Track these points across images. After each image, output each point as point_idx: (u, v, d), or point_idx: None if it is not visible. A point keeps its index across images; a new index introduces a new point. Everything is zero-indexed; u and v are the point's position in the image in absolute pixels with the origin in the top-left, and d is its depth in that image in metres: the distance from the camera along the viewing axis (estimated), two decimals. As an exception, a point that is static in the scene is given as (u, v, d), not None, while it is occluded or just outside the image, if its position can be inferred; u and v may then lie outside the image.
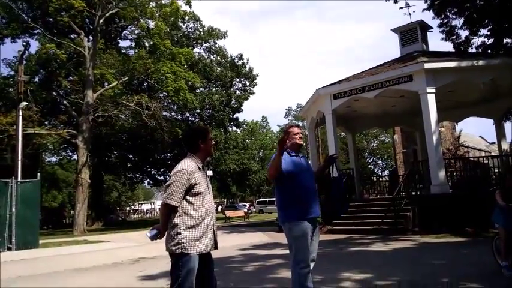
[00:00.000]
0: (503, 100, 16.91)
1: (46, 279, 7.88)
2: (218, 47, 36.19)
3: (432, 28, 18.53)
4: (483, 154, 32.70)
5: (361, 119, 19.87)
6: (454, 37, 19.11)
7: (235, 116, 38.29)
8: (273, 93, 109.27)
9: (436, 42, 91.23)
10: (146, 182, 45.42)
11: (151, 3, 27.12)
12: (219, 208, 47.72)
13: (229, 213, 32.54)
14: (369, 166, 61.08)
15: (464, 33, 19.00)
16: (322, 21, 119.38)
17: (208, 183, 3.59)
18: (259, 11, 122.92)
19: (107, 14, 25.84)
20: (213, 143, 3.65)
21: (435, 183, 13.40)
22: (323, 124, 18.28)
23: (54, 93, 27.87)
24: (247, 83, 37.60)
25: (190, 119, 35.54)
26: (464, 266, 6.97)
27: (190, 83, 28.13)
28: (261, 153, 56.86)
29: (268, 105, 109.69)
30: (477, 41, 18.81)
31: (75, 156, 31.26)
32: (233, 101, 36.84)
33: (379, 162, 63.58)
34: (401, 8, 18.38)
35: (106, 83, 27.59)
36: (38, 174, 15.46)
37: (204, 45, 35.89)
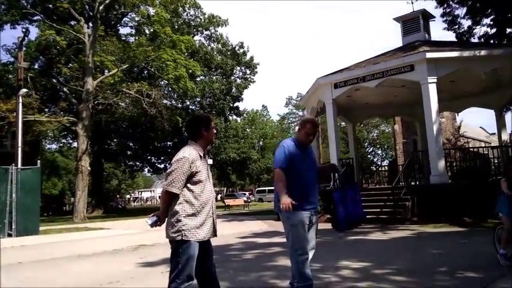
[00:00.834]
0: (504, 91, 16.85)
1: (46, 265, 7.94)
2: (219, 34, 36.00)
3: (435, 17, 18.40)
4: (483, 145, 32.70)
5: (361, 108, 19.82)
6: (457, 27, 19.02)
7: (235, 104, 38.24)
8: (273, 82, 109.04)
9: (439, 31, 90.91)
10: (146, 170, 45.61)
11: (151, -11, 26.92)
12: (219, 197, 47.92)
13: (229, 201, 32.69)
14: (369, 156, 61.17)
15: (466, 23, 18.91)
16: (324, 9, 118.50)
17: (209, 171, 3.59)
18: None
19: (107, 1, 25.67)
20: (215, 130, 3.65)
21: (435, 173, 13.42)
22: (323, 113, 18.24)
23: (54, 80, 27.79)
24: (248, 72, 37.48)
25: (190, 107, 35.49)
26: (462, 255, 7.02)
27: (190, 71, 28.02)
28: (261, 142, 56.92)
29: (269, 94, 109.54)
30: (479, 30, 18.74)
31: (75, 144, 31.29)
32: (233, 90, 36.73)
33: (379, 152, 63.68)
34: (405, -4, 18.23)
35: (106, 71, 27.49)
36: (38, 161, 15.52)
37: (205, 32, 35.71)
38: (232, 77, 37.04)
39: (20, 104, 17.99)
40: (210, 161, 29.66)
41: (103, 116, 30.33)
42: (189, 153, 3.39)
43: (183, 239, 3.28)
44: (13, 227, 13.27)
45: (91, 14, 27.83)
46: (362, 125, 54.12)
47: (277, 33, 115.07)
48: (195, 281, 3.38)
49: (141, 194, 75.58)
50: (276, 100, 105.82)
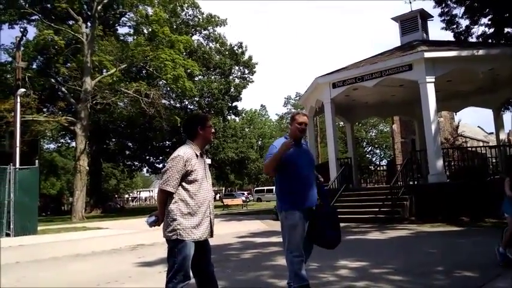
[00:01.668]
0: (502, 90, 16.90)
1: (45, 265, 7.93)
2: (217, 34, 35.96)
3: (433, 17, 18.45)
4: (481, 144, 32.74)
5: (360, 108, 19.86)
6: (455, 26, 19.05)
7: (234, 104, 38.19)
8: (272, 82, 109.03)
9: (437, 31, 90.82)
10: (145, 169, 45.54)
11: (150, -11, 26.90)
12: (217, 196, 47.89)
13: (227, 201, 32.68)
14: (367, 155, 61.21)
15: (464, 23, 18.95)
16: (323, 9, 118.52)
17: (207, 170, 3.58)
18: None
19: (105, 0, 25.64)
20: (212, 130, 3.65)
21: (433, 173, 13.47)
22: (322, 113, 18.28)
23: (53, 80, 27.73)
24: (246, 71, 37.44)
25: (189, 107, 35.46)
26: (459, 254, 7.03)
27: (189, 70, 28.01)
28: (259, 142, 56.89)
29: (267, 93, 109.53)
30: (477, 30, 18.79)
31: (73, 144, 31.20)
32: (232, 89, 36.69)
33: (377, 151, 63.74)
34: (403, -5, 18.25)
35: (104, 70, 27.44)
36: (37, 161, 15.51)
37: (203, 32, 35.67)
38: (231, 77, 37.01)
39: (18, 104, 17.95)
40: (209, 161, 29.75)
41: (101, 116, 30.28)
42: (184, 152, 3.39)
43: (178, 238, 3.28)
44: (11, 226, 13.25)
45: (89, 13, 27.80)
46: (360, 125, 54.20)
47: (276, 33, 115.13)
48: (192, 280, 3.38)
49: (139, 193, 75.46)
50: (275, 100, 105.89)
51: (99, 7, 25.56)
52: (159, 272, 6.18)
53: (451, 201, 12.34)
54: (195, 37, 34.76)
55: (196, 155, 3.46)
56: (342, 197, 14.94)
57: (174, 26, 31.43)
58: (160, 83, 30.54)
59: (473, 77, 14.83)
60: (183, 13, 33.77)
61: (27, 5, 25.60)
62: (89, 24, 26.89)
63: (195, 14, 34.30)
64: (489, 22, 18.12)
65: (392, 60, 14.93)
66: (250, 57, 36.74)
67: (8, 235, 13.10)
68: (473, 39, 18.88)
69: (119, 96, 26.56)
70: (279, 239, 9.29)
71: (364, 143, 61.28)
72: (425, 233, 10.22)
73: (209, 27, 35.11)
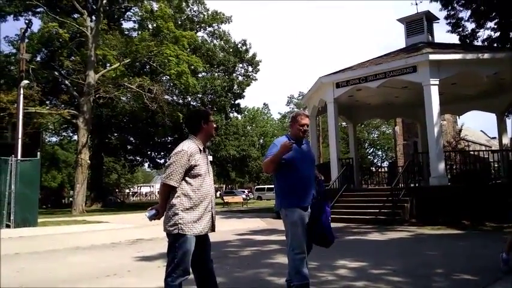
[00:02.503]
0: (505, 95, 16.86)
1: (44, 256, 7.94)
2: (222, 31, 35.93)
3: (438, 19, 18.39)
4: (484, 148, 32.68)
5: (363, 109, 19.83)
6: (460, 29, 19.01)
7: (236, 102, 38.21)
8: (275, 81, 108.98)
9: (442, 33, 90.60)
10: (146, 164, 45.61)
11: (155, -16, 26.91)
12: (218, 193, 47.89)
13: (228, 198, 32.68)
14: (369, 157, 61.14)
15: (470, 26, 18.91)
16: (328, 8, 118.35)
17: (209, 165, 3.58)
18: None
19: (111, -6, 25.64)
20: (215, 126, 3.64)
21: (434, 175, 13.44)
22: (324, 113, 18.25)
23: (56, 73, 27.77)
24: (250, 69, 37.42)
25: (191, 103, 35.45)
26: (459, 257, 7.01)
27: (192, 67, 28.00)
28: (261, 140, 56.87)
29: (270, 92, 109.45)
30: (483, 34, 18.73)
31: (75, 137, 31.30)
32: (235, 87, 36.68)
33: (379, 153, 63.67)
34: (409, -3, 18.20)
35: (108, 64, 27.47)
36: (38, 153, 15.52)
37: (208, 29, 35.65)
38: (234, 74, 37.00)
39: (21, 96, 17.97)
40: (210, 158, 29.70)
41: (104, 110, 30.32)
42: (188, 147, 3.38)
43: (179, 232, 3.27)
44: (11, 218, 13.28)
45: (94, 7, 27.79)
46: (363, 126, 54.09)
47: (280, 31, 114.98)
48: (191, 275, 3.37)
49: (140, 188, 75.59)
50: (278, 99, 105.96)
51: (105, 1, 25.56)
52: (158, 266, 6.18)
53: (452, 204, 12.32)
54: (199, 34, 34.78)
55: (200, 150, 3.45)
56: (343, 197, 14.93)
57: (179, 22, 31.42)
58: (164, 78, 30.58)
59: (477, 80, 14.78)
60: (188, 9, 33.74)
61: (32, -3, 25.61)
62: (93, 18, 26.88)
63: (200, 10, 34.31)
64: (495, 26, 18.08)
65: (396, 61, 14.89)
66: (254, 55, 36.74)
67: (8, 226, 13.12)
68: (478, 43, 18.84)
69: (122, 91, 26.59)
70: (279, 237, 9.34)
71: (366, 144, 61.21)
72: (426, 235, 10.20)
73: (214, 24, 35.08)
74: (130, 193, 68.75)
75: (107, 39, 26.52)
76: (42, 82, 26.71)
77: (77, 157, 25.37)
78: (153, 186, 75.99)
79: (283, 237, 4.12)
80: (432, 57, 13.79)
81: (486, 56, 13.98)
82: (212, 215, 3.48)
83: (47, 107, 25.71)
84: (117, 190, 57.96)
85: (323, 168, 16.14)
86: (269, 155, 3.98)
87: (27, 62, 20.56)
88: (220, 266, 6.02)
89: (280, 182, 4.06)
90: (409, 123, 34.18)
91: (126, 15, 32.69)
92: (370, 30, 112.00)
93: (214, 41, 36.33)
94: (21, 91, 18.02)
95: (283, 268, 4.61)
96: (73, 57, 27.19)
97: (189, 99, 35.28)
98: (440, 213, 12.35)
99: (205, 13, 34.36)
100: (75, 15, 27.17)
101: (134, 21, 32.71)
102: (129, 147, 39.94)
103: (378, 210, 13.25)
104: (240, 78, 37.44)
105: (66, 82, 27.63)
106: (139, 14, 30.18)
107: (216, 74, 36.52)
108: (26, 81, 18.74)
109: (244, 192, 45.82)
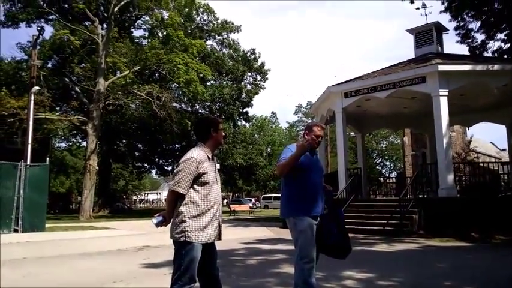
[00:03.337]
0: (516, 106, 16.70)
1: (51, 262, 7.97)
2: (231, 40, 36.11)
3: (448, 30, 18.35)
4: (493, 160, 32.39)
5: (371, 119, 19.76)
6: (470, 40, 18.94)
7: (244, 110, 38.26)
8: (283, 90, 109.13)
9: (452, 44, 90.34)
10: (154, 171, 45.73)
11: (166, -7, 27.18)
12: (224, 201, 47.86)
13: (235, 207, 32.64)
14: (377, 167, 60.84)
15: (480, 37, 18.83)
16: (335, 17, 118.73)
17: (217, 173, 3.58)
18: (273, 5, 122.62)
19: (122, 3, 25.91)
20: (224, 134, 3.65)
21: (443, 187, 13.32)
22: (333, 122, 18.22)
23: (66, 80, 28.04)
24: (258, 78, 37.51)
25: (199, 111, 35.56)
26: (467, 270, 6.93)
27: (201, 75, 28.14)
28: (268, 149, 56.84)
29: (278, 101, 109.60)
30: (493, 45, 18.63)
31: (84, 143, 31.49)
32: (243, 95, 36.76)
33: (387, 163, 63.33)
34: (418, 8, 18.21)
35: (118, 72, 27.70)
36: (47, 158, 15.63)
37: (217, 38, 35.84)
38: (243, 83, 37.10)
39: (32, 102, 18.17)
40: (217, 166, 29.73)
41: (113, 117, 30.52)
42: (197, 154, 3.39)
43: (186, 240, 3.26)
44: (19, 222, 13.35)
45: (105, 15, 28.10)
46: (371, 136, 53.91)
47: (289, 41, 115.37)
48: (197, 284, 3.36)
49: (147, 195, 75.79)
50: (286, 107, 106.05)
51: (116, 9, 25.85)
52: (164, 273, 6.17)
53: (461, 217, 12.18)
54: (208, 42, 34.99)
55: (208, 158, 3.45)
56: (350, 207, 14.83)
57: (189, 31, 31.66)
58: (173, 86, 30.74)
59: (487, 92, 14.69)
60: (198, 18, 34.01)
61: (45, 5, 25.96)
62: (104, 25, 27.16)
63: (209, 19, 34.54)
64: (505, 37, 17.99)
65: (406, 72, 14.85)
66: (262, 64, 36.85)
67: (16, 231, 13.20)
68: (488, 54, 18.74)
69: (131, 98, 26.77)
70: (286, 247, 9.29)
71: (375, 154, 60.96)
72: (434, 248, 10.09)
73: (223, 33, 35.29)
74: (138, 200, 68.92)
75: (117, 47, 26.78)
76: (53, 88, 26.97)
77: (85, 163, 25.51)
78: (160, 193, 76.18)
79: (290, 247, 4.09)
80: (441, 68, 13.74)
81: (496, 67, 13.89)
82: (219, 223, 3.47)
83: (57, 113, 25.92)
84: (124, 197, 58.13)
85: (331, 178, 16.07)
86: (283, 158, 3.95)
87: (38, 69, 20.81)
88: (226, 275, 6.00)
89: (290, 189, 4.02)
90: (418, 133, 33.98)
91: (136, 23, 33.04)
92: (379, 41, 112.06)
93: (224, 50, 36.53)
94: (32, 97, 18.23)
95: (290, 278, 4.58)
96: (83, 64, 27.46)
97: (198, 107, 35.42)
98: (449, 225, 12.22)
99: (214, 22, 34.60)
100: (87, 23, 27.49)
101: (144, 29, 33.04)
102: (137, 154, 40.11)
103: (385, 221, 13.14)
104: (249, 86, 37.54)
105: (76, 89, 27.89)
106: (150, 22, 30.47)
107: (225, 82, 36.66)
108: (36, 88, 18.95)
109: (251, 200, 45.72)
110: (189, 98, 31.11)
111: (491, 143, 57.12)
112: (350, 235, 12.27)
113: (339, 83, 16.82)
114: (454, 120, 17.90)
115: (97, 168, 25.65)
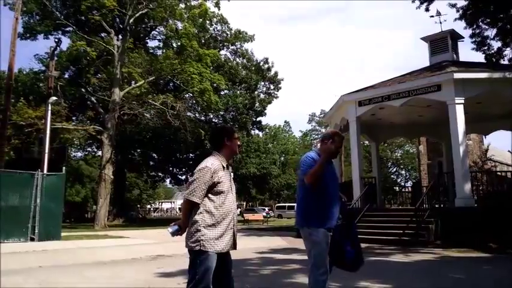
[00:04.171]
0: (534, 114, 16.42)
1: (66, 270, 8.03)
2: (244, 50, 36.30)
3: (463, 38, 18.17)
4: (511, 169, 31.79)
5: (385, 127, 19.61)
6: (486, 48, 18.66)
7: (258, 119, 38.32)
8: (296, 98, 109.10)
9: (467, 52, 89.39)
10: (168, 181, 45.93)
11: (180, 4, 27.52)
12: (239, 211, 47.79)
13: (248, 216, 32.58)
14: (392, 176, 60.18)
15: (496, 44, 18.55)
16: (349, 26, 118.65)
17: (232, 182, 3.58)
18: (286, 15, 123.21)
19: (137, 14, 26.30)
20: (239, 143, 3.65)
21: (460, 197, 13.11)
22: (346, 131, 18.12)
23: (83, 90, 28.45)
24: (272, 87, 37.58)
25: (213, 120, 35.75)
26: (485, 281, 6.78)
27: (215, 84, 28.31)
28: (282, 158, 56.70)
29: (292, 110, 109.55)
30: (509, 52, 18.33)
31: (99, 152, 31.82)
32: (257, 105, 36.83)
33: (403, 172, 62.59)
34: (432, 16, 18.05)
35: (133, 82, 28.03)
36: (64, 168, 15.79)
37: (231, 47, 36.06)
38: (256, 92, 37.18)
39: (49, 112, 18.45)
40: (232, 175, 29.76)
41: (128, 127, 30.85)
42: (212, 163, 3.40)
43: (201, 249, 3.26)
44: (36, 231, 13.48)
45: (121, 26, 28.54)
46: (386, 144, 53.41)
47: (302, 49, 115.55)
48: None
49: (161, 204, 76.12)
50: (299, 116, 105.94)
51: (131, 20, 26.24)
52: (178, 283, 6.17)
53: (479, 227, 11.95)
54: (222, 52, 35.18)
55: (223, 167, 3.46)
56: (365, 216, 14.66)
57: (203, 41, 31.92)
58: (187, 95, 30.96)
59: (503, 100, 14.48)
60: (212, 28, 34.29)
61: (62, 17, 26.51)
62: (120, 36, 27.58)
63: (223, 29, 34.76)
64: (522, 45, 17.72)
65: (420, 80, 14.74)
66: (276, 73, 36.93)
67: (32, 239, 13.32)
68: (505, 62, 18.47)
69: (146, 108, 27.06)
70: (300, 257, 9.22)
71: (390, 163, 60.33)
72: (451, 258, 9.92)
73: (237, 43, 35.49)
74: (152, 209, 69.24)
75: (132, 58, 27.14)
76: (69, 98, 27.42)
77: (100, 172, 25.78)
78: (174, 202, 76.49)
79: (304, 257, 4.06)
80: (457, 75, 13.61)
81: (512, 75, 13.70)
82: (234, 232, 3.47)
83: (73, 123, 26.30)
84: (138, 206, 58.44)
85: (345, 188, 15.95)
86: (307, 168, 3.91)
87: (55, 79, 21.18)
88: (241, 285, 5.98)
89: (308, 198, 3.99)
90: (434, 142, 33.57)
91: (151, 34, 33.43)
92: (393, 49, 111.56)
93: (237, 59, 36.70)
94: (49, 107, 18.52)
95: (304, 288, 4.53)
96: (99, 75, 27.87)
97: (211, 116, 35.60)
98: (466, 236, 11.98)
99: (228, 32, 34.83)
100: (103, 34, 27.94)
101: (159, 40, 33.41)
102: (151, 163, 40.38)
103: (401, 231, 12.94)
104: (262, 95, 37.62)
105: (92, 99, 28.30)
106: (164, 33, 30.84)
107: (238, 91, 36.77)
108: (54, 98, 19.26)
109: (264, 210, 45.58)
110: (202, 108, 31.29)
111: (508, 151, 56.04)
112: (365, 245, 12.13)
113: (353, 92, 16.75)
114: (470, 129, 17.67)
115: (112, 177, 25.88)
